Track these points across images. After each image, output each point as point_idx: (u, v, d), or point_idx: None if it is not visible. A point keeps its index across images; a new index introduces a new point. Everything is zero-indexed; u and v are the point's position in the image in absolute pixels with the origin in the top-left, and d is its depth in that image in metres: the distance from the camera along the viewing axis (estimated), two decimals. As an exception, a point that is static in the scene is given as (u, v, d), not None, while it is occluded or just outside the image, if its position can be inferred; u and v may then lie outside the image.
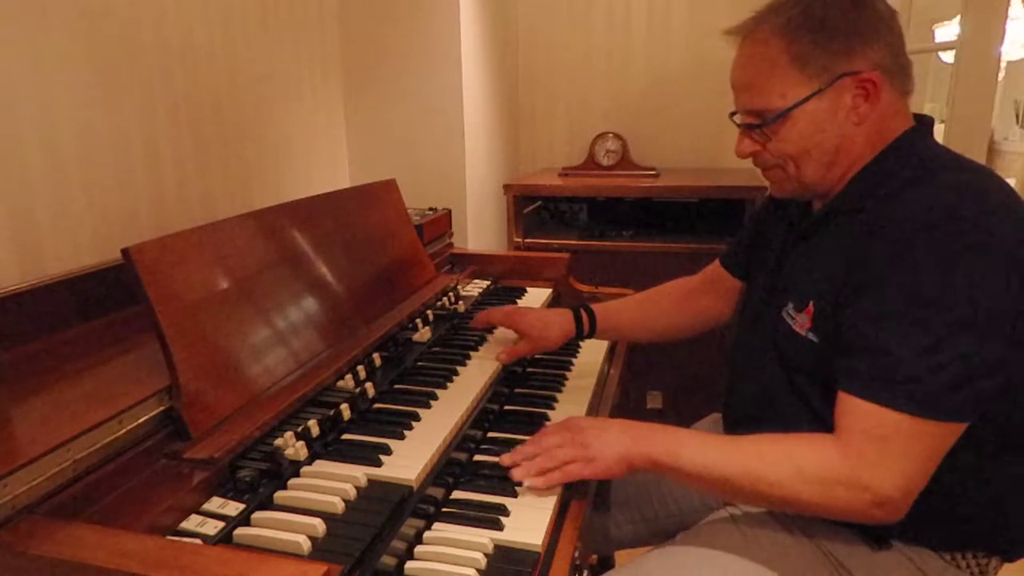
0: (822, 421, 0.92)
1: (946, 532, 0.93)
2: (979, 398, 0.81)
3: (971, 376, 0.79)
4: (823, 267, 0.95)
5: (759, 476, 0.85)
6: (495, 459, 0.99)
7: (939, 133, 1.01)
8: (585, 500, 0.93)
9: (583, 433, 0.94)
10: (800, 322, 0.96)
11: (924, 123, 0.97)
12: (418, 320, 1.39)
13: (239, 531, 0.77)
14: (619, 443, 0.91)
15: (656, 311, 1.36)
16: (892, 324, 0.82)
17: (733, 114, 1.04)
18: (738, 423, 1.14)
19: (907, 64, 0.95)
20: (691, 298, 1.35)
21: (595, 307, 1.34)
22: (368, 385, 1.09)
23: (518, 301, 1.65)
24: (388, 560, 0.77)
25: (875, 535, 0.94)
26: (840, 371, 0.86)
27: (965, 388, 0.79)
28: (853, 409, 0.83)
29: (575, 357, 1.40)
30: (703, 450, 0.89)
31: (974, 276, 0.79)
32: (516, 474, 0.92)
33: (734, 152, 1.03)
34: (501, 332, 1.36)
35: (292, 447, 0.90)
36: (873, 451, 0.81)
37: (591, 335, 1.33)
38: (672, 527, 1.21)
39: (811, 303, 0.94)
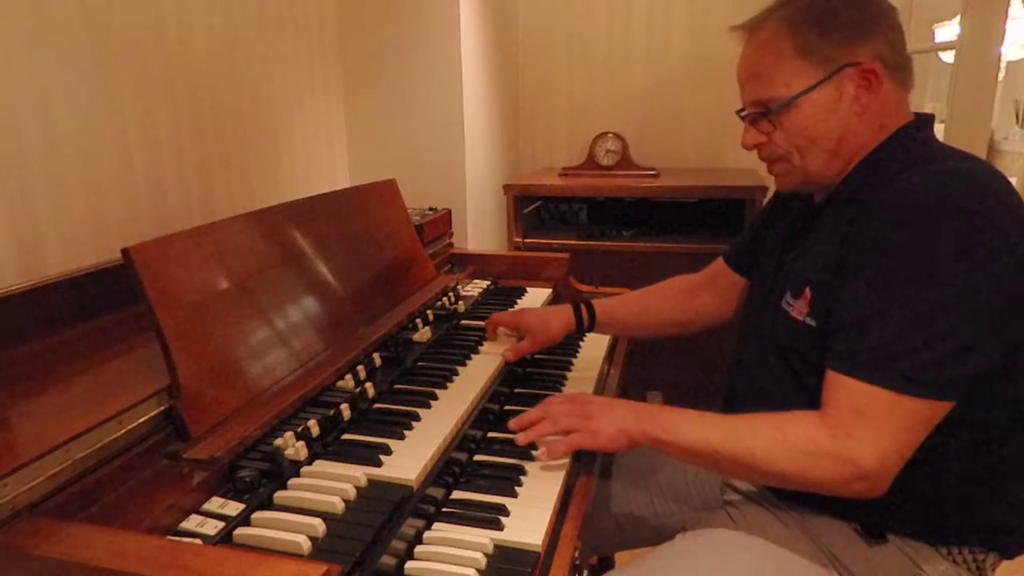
0: None
1: (942, 525, 0.94)
2: (964, 376, 0.82)
3: (954, 355, 0.81)
4: (818, 252, 0.97)
5: (749, 449, 0.88)
6: (495, 459, 0.99)
7: (939, 133, 1.02)
8: (585, 499, 0.93)
9: (590, 406, 0.98)
10: (798, 308, 0.97)
11: (924, 119, 1.00)
12: (418, 320, 1.39)
13: (239, 531, 0.77)
14: (623, 419, 0.95)
15: (656, 306, 1.38)
16: (876, 303, 0.84)
17: (740, 111, 1.06)
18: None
19: (907, 59, 0.97)
20: (692, 294, 1.36)
21: (595, 302, 1.36)
22: (368, 385, 1.09)
23: (518, 301, 1.65)
24: (388, 560, 0.77)
25: (871, 529, 0.95)
26: (828, 350, 0.89)
27: (949, 367, 0.81)
28: (839, 386, 0.86)
29: (575, 357, 1.40)
30: (698, 425, 0.92)
31: (960, 256, 0.80)
32: (520, 439, 0.97)
33: (740, 143, 1.05)
34: (503, 333, 1.37)
35: (292, 447, 0.90)
36: (857, 426, 0.83)
37: (590, 329, 1.36)
38: (671, 527, 1.21)
39: (807, 288, 0.96)
